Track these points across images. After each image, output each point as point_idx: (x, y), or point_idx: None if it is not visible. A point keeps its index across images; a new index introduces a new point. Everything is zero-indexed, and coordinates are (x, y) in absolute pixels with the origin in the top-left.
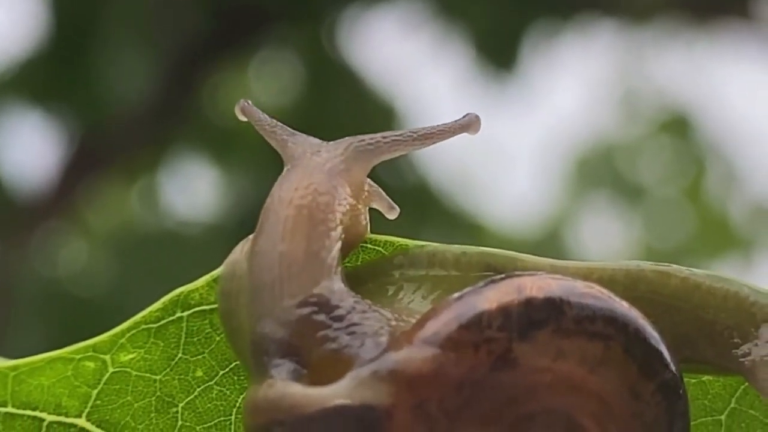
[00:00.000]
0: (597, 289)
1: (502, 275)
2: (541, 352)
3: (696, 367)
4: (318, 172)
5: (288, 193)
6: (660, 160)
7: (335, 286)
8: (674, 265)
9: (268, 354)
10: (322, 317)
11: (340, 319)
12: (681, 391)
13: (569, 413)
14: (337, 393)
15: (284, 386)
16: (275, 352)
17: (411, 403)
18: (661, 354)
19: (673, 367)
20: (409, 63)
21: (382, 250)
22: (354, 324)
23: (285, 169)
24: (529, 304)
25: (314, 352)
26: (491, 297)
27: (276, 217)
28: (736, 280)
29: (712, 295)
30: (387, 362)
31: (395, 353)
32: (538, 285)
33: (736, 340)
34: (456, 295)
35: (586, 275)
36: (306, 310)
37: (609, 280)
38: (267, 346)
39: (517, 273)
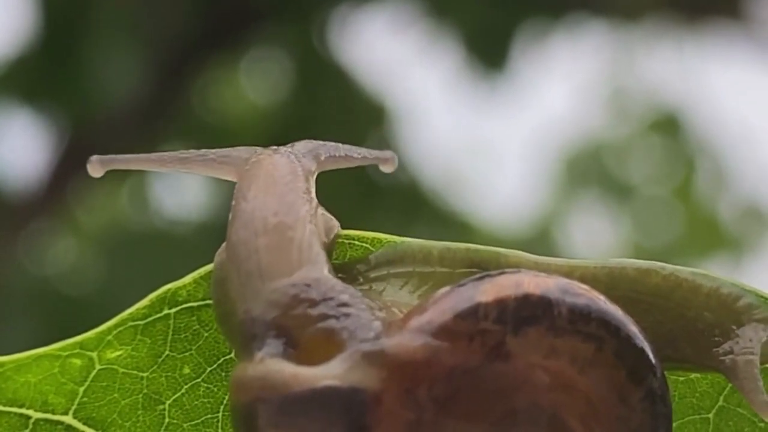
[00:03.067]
0: (594, 292)
1: (500, 271)
2: (534, 348)
3: (677, 366)
4: (282, 165)
5: (257, 184)
6: (649, 159)
7: (322, 270)
8: (656, 262)
9: (257, 334)
10: (313, 295)
11: (331, 299)
12: (667, 399)
13: (556, 411)
14: (326, 374)
15: (273, 364)
16: (264, 331)
17: (401, 388)
18: (650, 361)
19: (659, 374)
20: (399, 62)
21: (370, 247)
22: (346, 305)
23: (242, 173)
24: (525, 299)
25: (305, 332)
26: (488, 290)
27: (252, 200)
28: (719, 277)
29: (694, 292)
30: (379, 346)
31: (388, 338)
32: (536, 282)
33: (717, 339)
34: (451, 286)
35: (568, 273)
36: (296, 290)
37: (591, 279)
38: (256, 325)
39: (513, 269)
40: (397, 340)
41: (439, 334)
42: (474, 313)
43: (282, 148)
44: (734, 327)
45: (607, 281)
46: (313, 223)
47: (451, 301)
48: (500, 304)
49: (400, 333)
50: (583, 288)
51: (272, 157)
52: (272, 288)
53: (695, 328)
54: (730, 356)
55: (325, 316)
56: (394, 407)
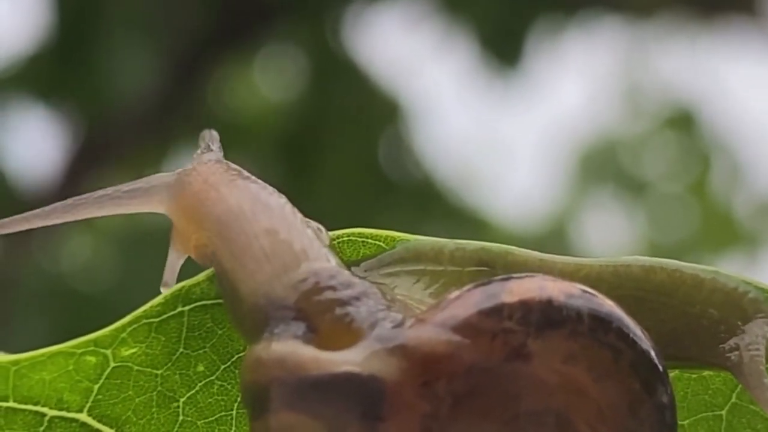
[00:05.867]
0: (615, 304)
1: (525, 273)
2: (554, 352)
3: (682, 365)
4: (243, 177)
5: (233, 192)
6: (664, 155)
7: (332, 262)
8: (661, 259)
9: (277, 317)
10: (334, 283)
11: (351, 288)
12: (673, 412)
13: (568, 416)
14: (347, 360)
15: (293, 346)
16: (284, 315)
17: (419, 381)
18: (662, 376)
19: (669, 390)
20: (414, 58)
21: (383, 245)
22: (366, 295)
23: (174, 180)
24: (549, 303)
25: (324, 318)
26: (514, 290)
27: (230, 197)
28: (725, 272)
29: (699, 288)
30: (401, 338)
31: (410, 330)
32: (560, 288)
33: (722, 335)
34: (474, 284)
35: (574, 271)
36: (317, 277)
37: (596, 277)
38: (276, 309)
39: (536, 274)
40: (419, 332)
41: (462, 329)
42: (499, 311)
43: (222, 163)
44: (740, 323)
45: (612, 280)
46: (304, 221)
47: (475, 298)
48: (525, 305)
49: (422, 326)
50: (605, 298)
51: (238, 178)
52: (292, 274)
53: (700, 325)
54: (736, 353)
55: (346, 305)
56: (412, 399)
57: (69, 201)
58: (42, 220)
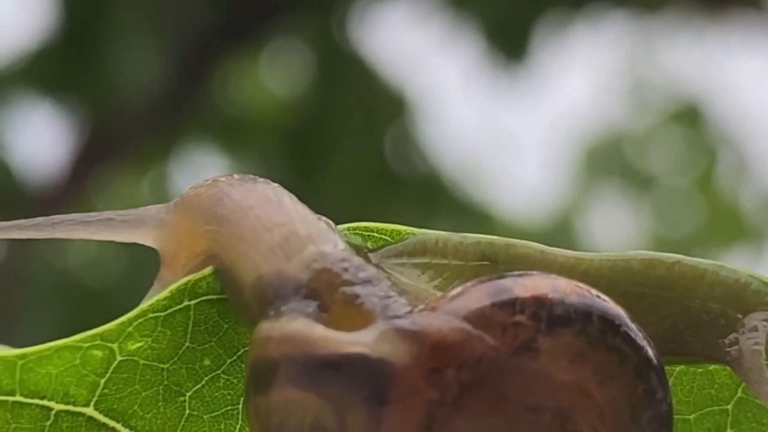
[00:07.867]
0: (623, 309)
1: (537, 272)
2: (562, 351)
3: (684, 360)
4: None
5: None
6: (670, 150)
7: (340, 245)
8: (661, 253)
9: (287, 295)
10: (345, 265)
11: (362, 269)
12: (671, 420)
13: (571, 415)
14: (357, 341)
15: (303, 324)
16: (296, 292)
17: (429, 366)
18: (665, 384)
19: (669, 398)
20: (420, 53)
21: (389, 239)
22: (378, 279)
23: (167, 211)
24: (562, 301)
25: (335, 298)
26: (527, 285)
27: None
28: (725, 265)
29: (699, 282)
30: (413, 323)
31: (422, 316)
32: (572, 288)
33: (722, 329)
34: (488, 276)
35: (574, 265)
36: (328, 258)
37: (595, 272)
38: (288, 286)
39: (547, 273)
40: (432, 319)
41: (474, 319)
42: (512, 305)
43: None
44: (740, 316)
45: (612, 275)
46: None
47: (489, 290)
48: (537, 301)
49: (434, 313)
50: (615, 303)
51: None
52: (302, 254)
53: (700, 319)
54: (735, 347)
55: (358, 286)
56: (419, 384)
57: (53, 217)
58: (19, 233)
